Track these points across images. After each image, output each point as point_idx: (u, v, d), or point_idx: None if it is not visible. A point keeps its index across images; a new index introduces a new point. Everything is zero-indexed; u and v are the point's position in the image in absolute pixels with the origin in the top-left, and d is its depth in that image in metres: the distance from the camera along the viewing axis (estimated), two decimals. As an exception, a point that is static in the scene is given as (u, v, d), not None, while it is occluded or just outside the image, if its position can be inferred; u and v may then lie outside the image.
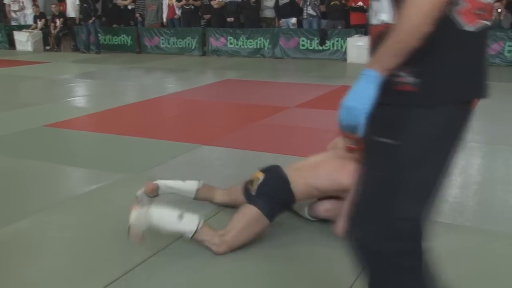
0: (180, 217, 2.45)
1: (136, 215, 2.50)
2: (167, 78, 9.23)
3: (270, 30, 11.66)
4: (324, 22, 11.55)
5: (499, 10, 9.65)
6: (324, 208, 2.73)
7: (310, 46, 11.17)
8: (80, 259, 2.48)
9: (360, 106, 1.28)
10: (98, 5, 13.54)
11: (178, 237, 2.61)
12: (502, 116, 5.38)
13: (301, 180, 2.59)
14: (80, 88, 8.04)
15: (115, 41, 13.46)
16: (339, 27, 11.19)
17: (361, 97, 1.28)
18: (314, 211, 2.79)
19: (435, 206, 1.47)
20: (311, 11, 11.46)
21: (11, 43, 14.18)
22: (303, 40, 11.23)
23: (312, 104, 6.18)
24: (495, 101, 5.94)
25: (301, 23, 11.76)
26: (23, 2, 15.24)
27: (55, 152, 4.33)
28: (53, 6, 14.26)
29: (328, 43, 10.98)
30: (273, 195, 2.56)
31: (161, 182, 2.93)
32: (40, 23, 14.10)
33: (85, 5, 12.64)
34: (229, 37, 11.97)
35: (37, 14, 14.37)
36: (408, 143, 1.34)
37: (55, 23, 13.82)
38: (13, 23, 15.37)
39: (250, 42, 11.79)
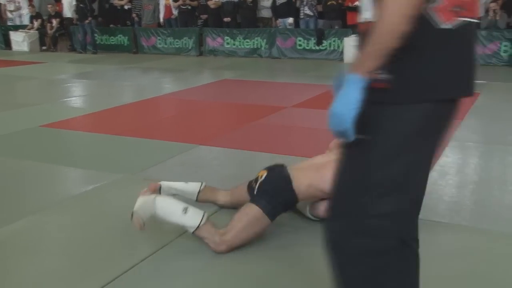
0: (185, 210, 2.45)
1: (142, 202, 2.50)
2: (164, 78, 9.21)
3: (267, 30, 11.66)
4: (321, 22, 11.57)
5: (495, 10, 9.66)
6: (326, 208, 2.72)
7: (307, 46, 11.18)
8: (77, 259, 2.47)
9: (346, 111, 1.30)
10: (95, 5, 13.54)
11: (175, 237, 2.61)
12: (499, 116, 5.38)
13: (306, 181, 2.59)
14: (77, 88, 8.01)
15: (112, 41, 13.44)
16: (336, 27, 11.20)
17: (346, 103, 1.30)
18: (315, 210, 2.78)
19: (418, 203, 1.45)
20: (308, 11, 11.47)
21: (7, 43, 14.15)
22: (300, 40, 11.23)
23: (309, 104, 6.19)
24: (491, 101, 6.01)
25: (298, 23, 11.77)
26: (19, 2, 15.20)
27: (52, 153, 4.32)
28: (49, 6, 14.23)
29: (325, 43, 11.00)
30: (274, 193, 2.56)
31: (164, 183, 2.94)
32: (36, 23, 14.06)
33: (81, 5, 12.61)
34: (226, 37, 11.96)
35: (33, 14, 14.33)
36: (381, 140, 1.35)
37: (51, 23, 13.80)
38: (9, 23, 15.33)
39: (247, 42, 11.79)
